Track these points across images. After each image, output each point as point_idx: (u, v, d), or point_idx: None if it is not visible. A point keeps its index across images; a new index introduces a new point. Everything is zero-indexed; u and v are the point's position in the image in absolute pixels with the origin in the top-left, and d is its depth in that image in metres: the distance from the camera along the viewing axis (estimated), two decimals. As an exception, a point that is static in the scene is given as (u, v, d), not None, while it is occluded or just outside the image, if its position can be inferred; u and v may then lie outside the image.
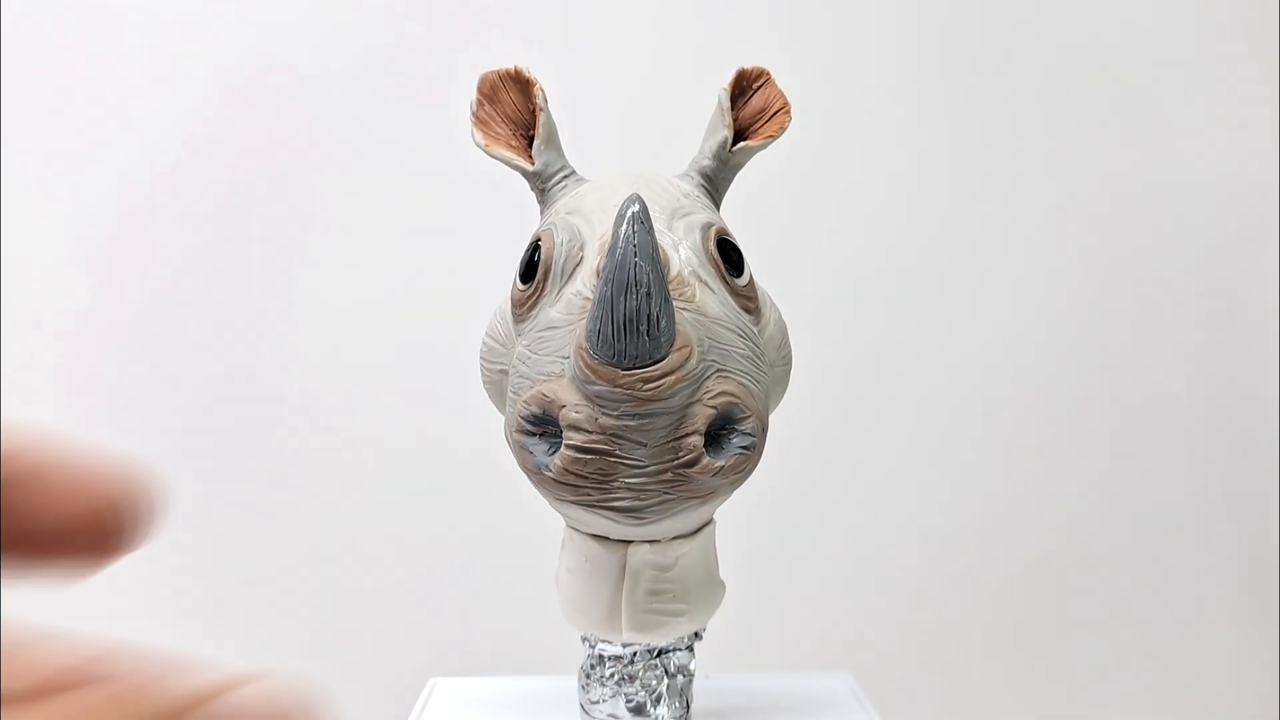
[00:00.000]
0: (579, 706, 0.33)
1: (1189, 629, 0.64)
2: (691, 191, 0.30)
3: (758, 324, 0.28)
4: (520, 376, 0.27)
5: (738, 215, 0.32)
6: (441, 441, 0.60)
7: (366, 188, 0.61)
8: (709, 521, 0.31)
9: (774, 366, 0.29)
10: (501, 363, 0.29)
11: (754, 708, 0.37)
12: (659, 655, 0.32)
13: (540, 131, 0.30)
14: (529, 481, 0.27)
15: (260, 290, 0.61)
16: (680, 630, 0.31)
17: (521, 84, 0.30)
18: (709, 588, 0.31)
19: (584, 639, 0.33)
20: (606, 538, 0.30)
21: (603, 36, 0.61)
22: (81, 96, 0.60)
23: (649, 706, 0.32)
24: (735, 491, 0.28)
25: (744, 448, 0.26)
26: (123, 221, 0.60)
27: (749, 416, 0.26)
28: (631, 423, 0.25)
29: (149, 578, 0.58)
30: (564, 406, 0.25)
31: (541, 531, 0.33)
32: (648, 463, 0.25)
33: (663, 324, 0.24)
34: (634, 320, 0.24)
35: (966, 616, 0.63)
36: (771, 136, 0.30)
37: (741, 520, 0.32)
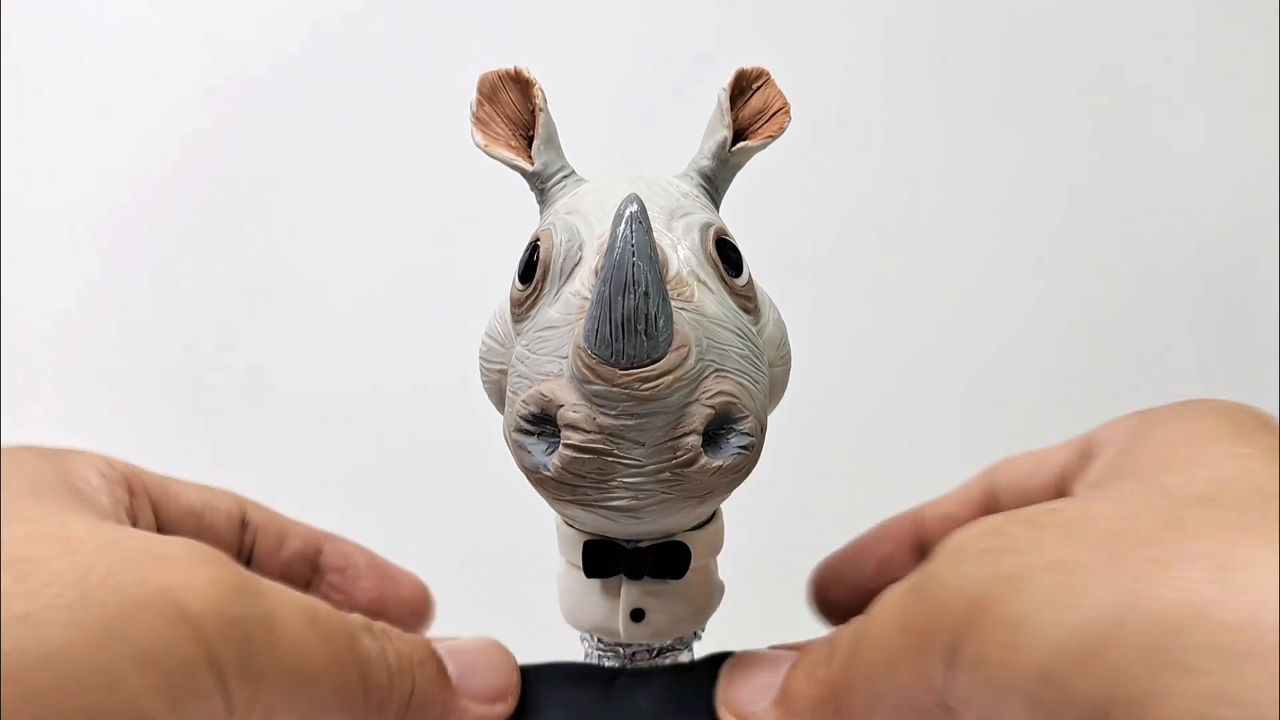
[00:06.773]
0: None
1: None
2: (691, 191, 0.30)
3: (756, 324, 0.28)
4: (519, 376, 0.27)
5: (738, 216, 0.32)
6: (440, 441, 0.60)
7: (366, 188, 0.61)
8: (710, 519, 0.31)
9: (773, 367, 0.29)
10: (500, 363, 0.29)
11: (753, 708, 0.37)
12: (659, 655, 0.32)
13: (540, 132, 0.30)
14: (527, 481, 0.27)
15: (257, 292, 0.61)
16: (680, 630, 0.31)
17: (521, 84, 0.30)
18: (708, 588, 0.31)
19: (583, 638, 0.33)
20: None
21: (602, 37, 0.61)
22: (75, 95, 0.60)
23: None
24: (734, 491, 0.28)
25: (742, 448, 0.26)
26: (121, 220, 0.60)
27: (747, 416, 0.26)
28: (629, 422, 0.25)
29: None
30: (562, 406, 0.25)
31: (541, 532, 0.33)
32: (645, 462, 0.25)
33: (661, 324, 0.24)
34: (632, 320, 0.24)
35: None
36: (771, 137, 0.30)
37: (741, 520, 0.32)
